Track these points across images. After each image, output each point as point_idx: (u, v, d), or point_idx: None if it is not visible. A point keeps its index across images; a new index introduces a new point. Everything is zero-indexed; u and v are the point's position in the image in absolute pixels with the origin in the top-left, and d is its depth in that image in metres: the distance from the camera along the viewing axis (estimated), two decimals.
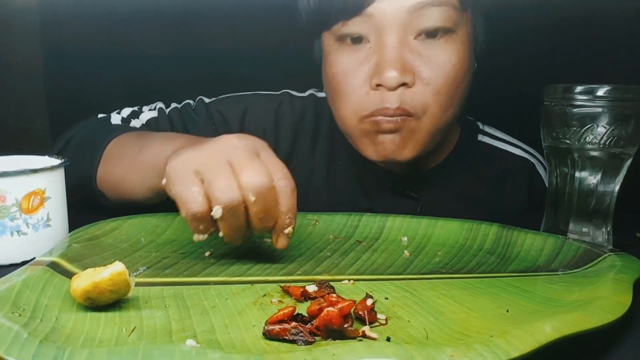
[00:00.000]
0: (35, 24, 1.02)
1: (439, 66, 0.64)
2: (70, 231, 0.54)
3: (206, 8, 0.93)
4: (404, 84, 0.64)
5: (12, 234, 0.50)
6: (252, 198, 0.45)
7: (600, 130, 0.55)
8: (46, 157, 0.57)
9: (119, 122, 0.76)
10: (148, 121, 0.77)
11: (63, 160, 0.55)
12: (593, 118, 0.56)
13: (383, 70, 0.63)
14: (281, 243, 0.49)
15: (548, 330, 0.33)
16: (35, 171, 0.51)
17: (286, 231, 0.48)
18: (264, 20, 0.96)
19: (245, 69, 0.94)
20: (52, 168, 0.52)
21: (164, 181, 0.48)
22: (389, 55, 0.63)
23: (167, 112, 0.79)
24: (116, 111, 0.78)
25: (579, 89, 0.56)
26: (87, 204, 0.67)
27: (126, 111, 0.78)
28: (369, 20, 0.64)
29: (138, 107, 0.79)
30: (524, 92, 0.71)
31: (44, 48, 1.02)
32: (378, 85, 0.64)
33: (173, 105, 0.80)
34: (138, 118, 0.77)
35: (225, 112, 0.79)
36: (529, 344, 0.32)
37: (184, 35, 0.98)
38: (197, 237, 0.47)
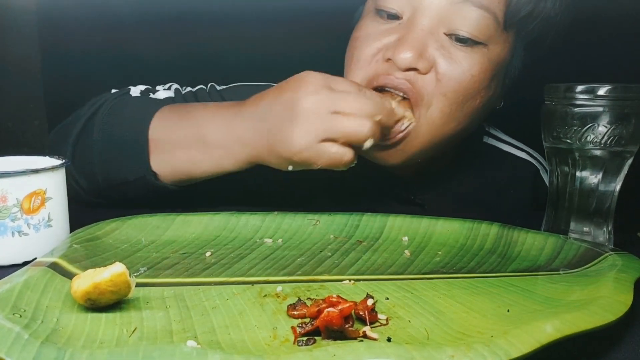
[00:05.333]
0: (33, 26, 1.02)
1: (457, 68, 0.63)
2: (71, 231, 0.54)
3: (205, 8, 0.93)
4: (415, 69, 0.63)
5: (13, 234, 0.50)
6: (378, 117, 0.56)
7: (601, 129, 0.55)
8: (47, 157, 0.57)
9: (139, 95, 0.74)
10: (164, 100, 0.75)
11: (64, 160, 0.55)
12: (594, 117, 0.56)
13: (399, 48, 0.62)
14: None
15: (549, 330, 0.33)
16: (36, 171, 0.51)
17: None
18: (264, 19, 0.96)
19: (245, 67, 0.94)
20: (53, 168, 0.52)
21: (290, 167, 0.58)
22: (413, 36, 0.62)
23: (182, 94, 0.77)
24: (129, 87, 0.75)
25: (579, 88, 0.56)
26: (130, 189, 0.66)
27: (139, 88, 0.76)
28: None
29: (150, 86, 0.77)
30: (525, 91, 0.71)
31: (42, 50, 1.01)
32: (389, 59, 0.63)
33: (187, 89, 0.79)
34: (154, 94, 0.75)
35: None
36: (530, 344, 0.32)
37: (183, 36, 0.98)
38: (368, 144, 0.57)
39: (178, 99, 0.75)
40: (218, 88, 0.79)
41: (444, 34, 0.63)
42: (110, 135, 0.66)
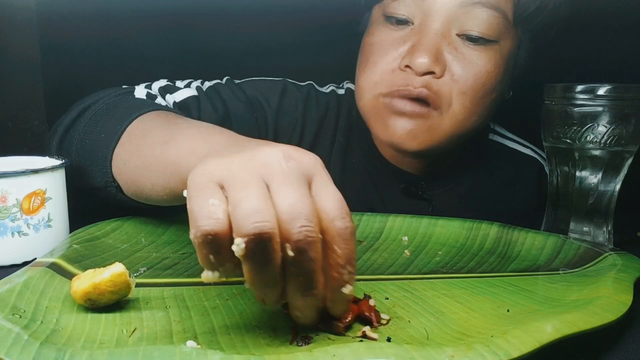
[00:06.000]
0: (33, 25, 1.02)
1: (472, 67, 0.64)
2: (70, 232, 0.54)
3: (207, 3, 0.93)
4: (431, 73, 0.64)
5: (12, 234, 0.50)
6: (294, 234, 0.32)
7: (601, 129, 0.55)
8: (47, 157, 0.57)
9: (144, 97, 0.67)
10: (187, 99, 0.69)
11: (64, 160, 0.55)
12: (593, 117, 0.55)
13: (416, 53, 0.63)
14: (338, 308, 0.35)
15: (549, 330, 0.33)
16: (36, 172, 0.51)
17: (345, 290, 0.34)
18: (265, 16, 0.96)
19: (244, 62, 0.94)
20: (53, 168, 0.52)
21: (184, 192, 0.35)
22: (427, 40, 0.64)
23: (204, 90, 0.72)
24: (145, 84, 0.69)
25: (579, 88, 0.56)
26: (100, 198, 0.58)
27: (159, 84, 0.70)
28: (419, 3, 0.64)
29: (171, 81, 0.72)
30: (525, 91, 0.71)
31: (42, 48, 1.02)
32: (407, 66, 0.64)
33: (206, 83, 0.74)
34: (172, 94, 0.69)
35: (262, 96, 0.75)
36: (530, 344, 0.32)
37: (184, 30, 0.98)
38: (206, 276, 0.33)
39: (202, 97, 0.71)
40: (236, 82, 0.78)
41: (456, 34, 0.64)
42: (90, 133, 0.59)
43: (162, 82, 0.72)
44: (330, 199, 0.34)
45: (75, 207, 0.60)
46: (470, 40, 0.64)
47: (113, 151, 0.55)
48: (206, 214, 0.32)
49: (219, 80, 0.77)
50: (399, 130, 0.66)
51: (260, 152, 0.35)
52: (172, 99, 0.70)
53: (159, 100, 0.69)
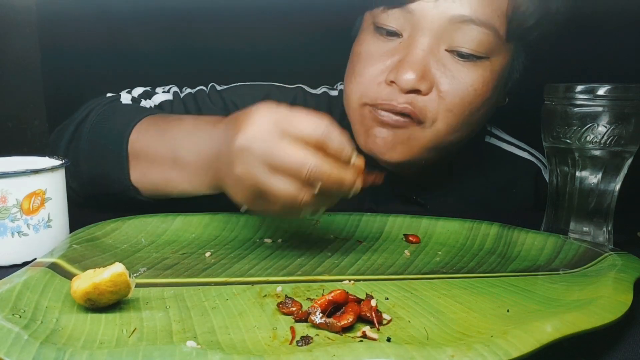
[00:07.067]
0: (33, 25, 1.02)
1: (459, 84, 0.63)
2: (71, 232, 0.54)
3: (204, 5, 0.94)
4: (417, 91, 0.63)
5: (12, 234, 0.50)
6: (310, 181, 0.44)
7: (601, 129, 0.55)
8: (47, 157, 0.57)
9: (130, 102, 0.72)
10: (161, 103, 0.74)
11: (64, 160, 0.55)
12: (594, 117, 0.55)
13: (402, 69, 0.62)
14: (358, 172, 0.47)
15: (549, 330, 0.33)
16: (36, 172, 0.51)
17: (353, 160, 0.46)
18: (261, 18, 0.96)
19: (243, 64, 0.94)
20: (53, 169, 0.52)
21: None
22: (414, 56, 0.62)
23: (181, 97, 0.76)
24: (126, 90, 0.74)
25: (579, 88, 0.56)
26: (113, 197, 0.64)
27: (138, 90, 0.75)
28: (409, 16, 0.63)
29: (150, 87, 0.77)
30: (525, 91, 0.71)
31: (42, 49, 1.02)
32: (392, 82, 0.63)
33: (187, 90, 0.78)
34: (150, 99, 0.74)
35: (241, 101, 0.76)
36: (530, 344, 0.32)
37: (183, 32, 0.98)
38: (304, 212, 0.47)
39: (176, 101, 0.75)
40: (218, 88, 0.79)
41: (445, 50, 0.63)
42: (96, 145, 0.64)
43: (140, 90, 0.75)
44: (296, 128, 0.44)
45: (89, 207, 0.66)
46: (460, 56, 0.63)
47: (128, 161, 0.61)
48: (284, 192, 0.45)
49: (202, 87, 0.78)
50: (379, 140, 0.65)
51: (238, 155, 0.45)
52: (150, 103, 0.73)
53: (144, 103, 0.73)
